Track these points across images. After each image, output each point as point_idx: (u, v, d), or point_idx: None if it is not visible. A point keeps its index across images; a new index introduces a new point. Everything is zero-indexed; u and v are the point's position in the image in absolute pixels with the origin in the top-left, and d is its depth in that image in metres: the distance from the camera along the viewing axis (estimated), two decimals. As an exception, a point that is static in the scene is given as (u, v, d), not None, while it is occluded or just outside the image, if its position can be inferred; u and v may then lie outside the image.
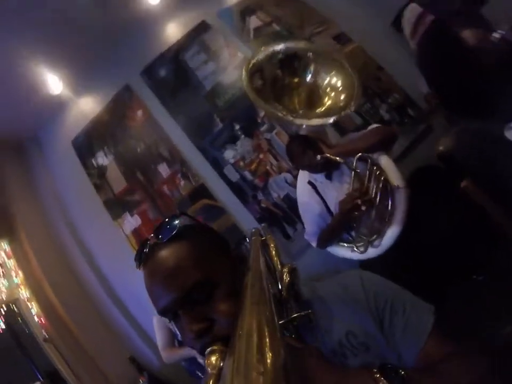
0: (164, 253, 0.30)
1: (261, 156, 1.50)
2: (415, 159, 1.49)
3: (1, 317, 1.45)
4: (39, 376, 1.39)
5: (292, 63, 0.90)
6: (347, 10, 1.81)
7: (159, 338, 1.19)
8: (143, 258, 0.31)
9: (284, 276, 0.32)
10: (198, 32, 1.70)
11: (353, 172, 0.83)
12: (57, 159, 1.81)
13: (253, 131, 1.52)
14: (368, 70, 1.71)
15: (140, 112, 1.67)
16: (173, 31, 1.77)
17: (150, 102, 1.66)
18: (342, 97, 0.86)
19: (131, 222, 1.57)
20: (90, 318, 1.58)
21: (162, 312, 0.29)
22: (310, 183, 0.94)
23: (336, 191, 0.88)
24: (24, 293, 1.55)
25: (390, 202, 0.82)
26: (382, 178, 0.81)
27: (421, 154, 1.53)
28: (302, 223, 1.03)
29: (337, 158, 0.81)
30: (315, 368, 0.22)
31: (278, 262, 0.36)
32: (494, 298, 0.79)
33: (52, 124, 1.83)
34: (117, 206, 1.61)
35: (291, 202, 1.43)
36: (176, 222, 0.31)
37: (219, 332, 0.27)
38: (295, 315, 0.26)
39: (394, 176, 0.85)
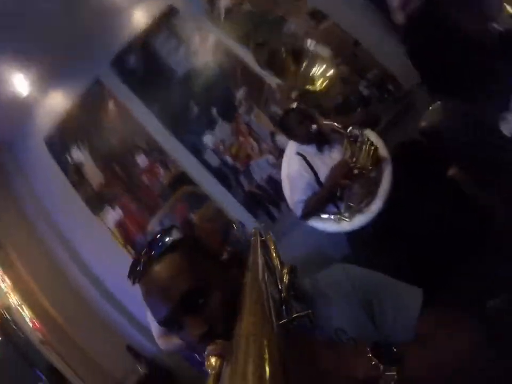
0: (157, 267, 0.31)
1: (241, 139, 1.48)
2: (396, 135, 1.50)
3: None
4: (42, 378, 1.39)
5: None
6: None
7: (154, 327, 1.18)
8: (137, 275, 0.32)
9: (284, 276, 0.32)
10: (166, 18, 1.63)
11: (345, 140, 0.86)
12: (32, 161, 1.74)
13: (231, 114, 1.50)
14: (344, 46, 1.68)
15: (111, 104, 1.61)
16: (140, 18, 1.68)
17: (121, 93, 1.61)
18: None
19: (113, 215, 1.55)
20: (82, 314, 1.57)
21: (164, 323, 0.31)
22: (299, 153, 0.95)
23: (327, 163, 0.90)
24: (14, 300, 1.52)
25: (377, 173, 0.87)
26: (373, 148, 0.85)
27: (401, 131, 1.54)
28: (286, 203, 1.04)
29: (336, 126, 0.85)
30: (313, 347, 0.23)
31: (278, 262, 0.36)
32: (482, 272, 0.81)
33: (23, 125, 1.75)
34: (97, 201, 1.58)
35: (274, 183, 1.43)
36: (168, 236, 0.33)
37: (218, 334, 0.28)
38: (295, 315, 0.26)
39: (383, 149, 0.89)
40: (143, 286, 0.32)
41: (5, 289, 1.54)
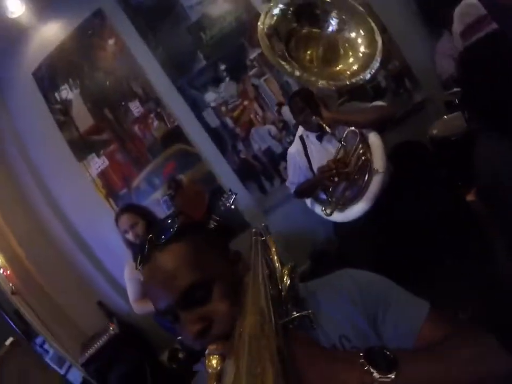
0: (162, 254, 0.31)
1: (246, 102, 1.37)
2: (403, 132, 1.45)
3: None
4: (14, 327, 1.34)
5: (312, 12, 0.81)
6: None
7: (130, 289, 1.15)
8: (142, 259, 0.32)
9: (284, 276, 0.32)
10: (187, -47, 1.46)
11: (340, 144, 0.85)
12: (16, 94, 1.59)
13: (240, 74, 1.38)
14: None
15: (111, 41, 1.45)
16: (158, -51, 1.50)
17: (124, 30, 1.44)
18: (357, 64, 0.80)
19: (98, 163, 1.45)
20: (57, 266, 1.51)
21: (162, 314, 0.30)
22: (301, 138, 0.98)
23: (322, 154, 0.92)
24: (-13, 245, 1.44)
25: (365, 181, 0.86)
26: (363, 158, 0.85)
27: (410, 129, 1.49)
28: (280, 178, 1.10)
29: (327, 128, 0.82)
30: (303, 351, 0.22)
31: (278, 262, 0.35)
32: (458, 282, 0.82)
33: (11, 53, 1.57)
34: (82, 146, 1.47)
35: (272, 156, 1.36)
36: (175, 222, 0.32)
37: (218, 331, 0.27)
38: (295, 315, 0.26)
39: (378, 159, 0.86)
40: (146, 271, 0.31)
41: None
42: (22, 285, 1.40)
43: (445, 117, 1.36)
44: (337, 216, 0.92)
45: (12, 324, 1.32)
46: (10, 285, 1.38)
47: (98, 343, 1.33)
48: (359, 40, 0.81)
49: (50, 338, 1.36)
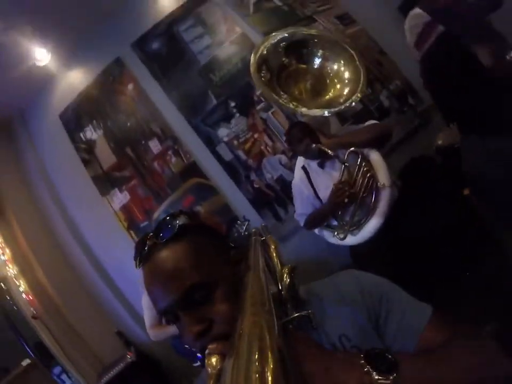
0: (163, 253, 0.30)
1: (256, 135, 1.46)
2: (412, 149, 1.48)
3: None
4: (30, 353, 1.40)
5: (299, 49, 0.89)
6: (352, -10, 1.73)
7: (147, 316, 1.19)
8: (143, 258, 0.31)
9: (284, 276, 0.31)
10: (195, 4, 1.61)
11: (343, 165, 0.86)
12: (45, 134, 1.75)
13: (249, 109, 1.48)
14: (370, 53, 1.66)
15: (130, 86, 1.60)
16: (168, 2, 1.67)
17: (141, 76, 1.59)
18: (346, 89, 0.86)
19: (120, 198, 1.54)
20: (78, 294, 1.57)
21: (163, 313, 0.30)
22: (303, 168, 0.99)
23: (326, 180, 0.92)
24: (12, 270, 1.53)
25: (373, 198, 0.86)
26: (368, 175, 0.85)
27: (417, 145, 1.52)
28: (293, 203, 1.07)
29: (329, 151, 0.85)
30: (302, 352, 0.22)
31: (278, 262, 0.35)
32: (477, 296, 0.81)
33: (39, 97, 1.75)
34: (105, 182, 1.57)
35: (284, 184, 1.41)
36: (176, 221, 0.31)
37: (219, 332, 0.27)
38: (295, 315, 0.26)
39: (382, 174, 0.87)
40: (146, 270, 0.30)
41: (5, 258, 1.54)
42: (43, 310, 1.46)
43: (449, 126, 1.38)
44: (351, 240, 0.91)
45: (29, 351, 1.37)
46: (32, 309, 1.45)
47: (115, 370, 1.35)
48: (343, 69, 0.87)
49: (68, 364, 1.39)
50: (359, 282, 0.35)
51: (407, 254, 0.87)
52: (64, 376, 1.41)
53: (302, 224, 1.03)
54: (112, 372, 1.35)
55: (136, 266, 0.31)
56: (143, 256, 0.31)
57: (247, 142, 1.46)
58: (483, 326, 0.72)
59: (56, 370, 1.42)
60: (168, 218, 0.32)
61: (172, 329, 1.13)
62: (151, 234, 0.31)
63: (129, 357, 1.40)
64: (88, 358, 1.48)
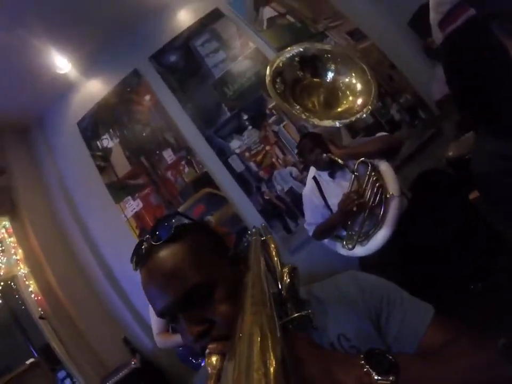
0: (161, 254, 0.29)
1: (268, 147, 1.49)
2: (423, 161, 1.47)
3: (-1, 292, 1.46)
4: (34, 353, 1.41)
5: (313, 64, 0.92)
6: (363, 7, 1.77)
7: (154, 323, 1.19)
8: (140, 259, 0.30)
9: (284, 276, 0.32)
10: (210, 20, 1.68)
11: (353, 175, 0.88)
12: (62, 140, 1.81)
13: (261, 122, 1.51)
14: (381, 68, 1.68)
15: (147, 97, 1.66)
16: (185, 17, 1.74)
17: (158, 88, 1.65)
18: (358, 103, 0.87)
19: (133, 205, 1.57)
20: (87, 298, 1.59)
21: (161, 315, 0.29)
22: (314, 178, 1.00)
23: (337, 190, 0.93)
24: (22, 270, 1.57)
25: (382, 208, 0.86)
26: (377, 185, 0.86)
27: (429, 158, 1.52)
28: (304, 214, 1.08)
29: (339, 160, 0.86)
30: (302, 352, 0.22)
31: (278, 262, 0.35)
32: (488, 308, 0.79)
33: (58, 105, 1.82)
34: (119, 189, 1.61)
35: (295, 196, 1.42)
36: (173, 221, 0.31)
37: (218, 333, 0.27)
38: (295, 315, 0.26)
39: (391, 184, 0.88)
40: (144, 271, 0.30)
41: (17, 258, 1.58)
42: (51, 311, 1.48)
43: (459, 138, 1.38)
44: (360, 250, 0.91)
45: (34, 351, 1.38)
46: (39, 309, 1.47)
47: (118, 376, 1.34)
48: (355, 83, 0.89)
49: (72, 366, 1.39)
50: (360, 283, 0.35)
51: (417, 264, 0.87)
52: (68, 381, 1.41)
53: (310, 233, 1.04)
54: (115, 377, 1.34)
55: (133, 269, 0.31)
56: (140, 257, 0.30)
57: (258, 154, 1.48)
58: (495, 337, 0.71)
59: (61, 374, 1.42)
60: (164, 219, 0.31)
61: (178, 339, 1.13)
62: (148, 236, 0.31)
63: (134, 363, 1.39)
64: (92, 362, 1.47)
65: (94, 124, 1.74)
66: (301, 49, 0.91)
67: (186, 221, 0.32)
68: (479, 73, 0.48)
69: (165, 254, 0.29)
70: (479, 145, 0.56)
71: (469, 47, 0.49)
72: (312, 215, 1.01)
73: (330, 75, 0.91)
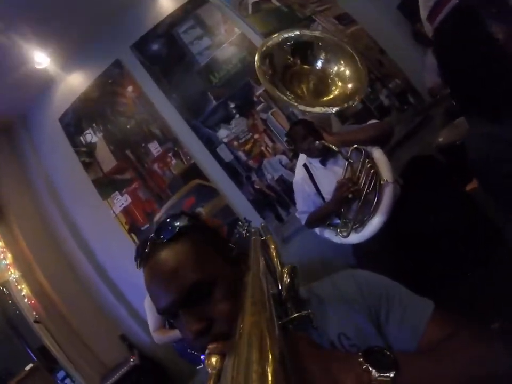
0: (164, 253, 0.30)
1: (256, 136, 1.46)
2: (413, 147, 1.47)
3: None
4: (33, 356, 1.39)
5: (304, 50, 0.90)
6: (352, -10, 1.73)
7: (151, 319, 1.18)
8: (144, 258, 0.31)
9: (284, 276, 0.32)
10: (194, 5, 1.61)
11: (346, 162, 0.87)
12: (46, 138, 1.75)
13: (249, 110, 1.48)
14: (370, 53, 1.65)
15: (130, 89, 1.60)
16: (167, 3, 1.67)
17: (141, 78, 1.59)
18: (349, 88, 0.86)
19: (121, 201, 1.54)
20: (80, 298, 1.57)
21: (163, 312, 0.30)
22: (305, 166, 0.99)
23: (329, 177, 0.93)
24: (13, 275, 1.53)
25: (376, 195, 0.86)
26: (372, 171, 0.85)
27: (418, 143, 1.52)
28: (295, 203, 1.06)
29: (333, 147, 0.85)
30: (302, 351, 0.22)
31: (278, 262, 0.35)
32: (483, 296, 0.80)
33: (39, 101, 1.75)
34: (106, 185, 1.57)
35: (285, 184, 1.41)
36: (177, 222, 0.32)
37: (218, 331, 0.27)
38: (295, 315, 0.26)
39: (385, 171, 0.87)
40: (147, 270, 0.30)
41: (6, 262, 1.54)
42: (45, 314, 1.46)
43: (449, 124, 1.39)
44: (355, 238, 0.91)
45: (32, 355, 1.36)
46: (34, 313, 1.45)
47: (118, 374, 1.34)
48: (345, 71, 0.88)
49: (71, 367, 1.38)
50: (358, 281, 0.35)
51: (409, 252, 0.87)
52: (67, 381, 1.40)
53: (303, 222, 1.02)
54: (115, 376, 1.34)
55: (137, 267, 0.31)
56: (143, 256, 0.31)
57: (247, 143, 1.45)
58: (489, 323, 0.71)
59: (60, 374, 1.41)
60: (169, 219, 0.32)
61: (175, 334, 1.13)
62: (152, 235, 0.31)
63: (133, 360, 1.39)
64: (91, 361, 1.47)
65: (77, 119, 1.68)
66: (292, 35, 0.88)
67: (190, 220, 0.33)
68: (469, 59, 0.48)
69: (167, 253, 0.30)
70: (474, 130, 0.56)
71: (457, 34, 0.50)
72: (304, 203, 1.00)
73: (320, 62, 0.89)
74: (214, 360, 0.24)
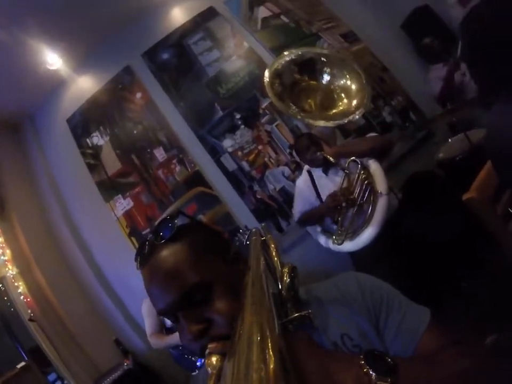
0: (163, 254, 0.30)
1: (260, 147, 1.49)
2: (414, 164, 1.50)
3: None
4: (24, 356, 1.38)
5: (311, 67, 0.95)
6: (357, 10, 1.80)
7: (148, 324, 1.18)
8: (143, 258, 0.31)
9: (284, 276, 0.31)
10: (205, 18, 1.67)
11: (344, 173, 0.93)
12: (52, 138, 1.77)
13: (254, 122, 1.52)
14: (373, 70, 1.70)
15: (139, 95, 1.64)
16: (179, 15, 1.73)
17: (150, 85, 1.64)
18: (352, 105, 0.91)
19: (123, 204, 1.55)
20: (77, 299, 1.56)
21: (162, 313, 0.30)
22: (308, 172, 1.06)
23: (329, 185, 0.99)
24: (11, 271, 1.53)
25: (370, 206, 0.90)
26: (366, 182, 0.90)
27: (419, 159, 1.55)
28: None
29: (331, 159, 0.92)
30: (302, 351, 0.22)
31: (278, 262, 0.35)
32: (478, 306, 0.80)
33: (49, 102, 1.78)
34: (110, 188, 1.59)
35: (287, 195, 1.43)
36: (175, 221, 0.31)
37: (218, 332, 0.27)
38: (295, 315, 0.26)
39: (380, 182, 0.91)
40: (147, 270, 0.30)
41: (5, 258, 1.54)
42: (40, 313, 1.44)
43: (449, 140, 1.42)
44: (348, 245, 0.93)
45: (24, 354, 1.34)
46: (29, 311, 1.44)
47: (111, 378, 1.32)
48: (350, 86, 0.92)
49: (63, 369, 1.36)
50: (360, 283, 0.35)
51: (409, 260, 0.90)
52: (58, 383, 1.38)
53: (296, 219, 1.10)
54: (108, 379, 1.32)
55: (137, 268, 0.31)
56: (143, 257, 0.31)
57: (251, 154, 1.49)
58: (485, 331, 0.70)
59: (51, 377, 1.39)
60: (167, 218, 0.32)
61: (172, 339, 1.12)
62: (150, 236, 0.31)
63: (126, 364, 1.37)
64: (84, 364, 1.45)
65: (84, 121, 1.71)
66: (300, 53, 0.94)
67: (188, 220, 0.33)
68: (504, 42, 0.46)
69: (165, 253, 0.29)
70: (505, 113, 0.50)
71: (495, 17, 0.47)
72: (302, 204, 1.06)
73: (326, 78, 0.94)
74: (214, 359, 0.24)
